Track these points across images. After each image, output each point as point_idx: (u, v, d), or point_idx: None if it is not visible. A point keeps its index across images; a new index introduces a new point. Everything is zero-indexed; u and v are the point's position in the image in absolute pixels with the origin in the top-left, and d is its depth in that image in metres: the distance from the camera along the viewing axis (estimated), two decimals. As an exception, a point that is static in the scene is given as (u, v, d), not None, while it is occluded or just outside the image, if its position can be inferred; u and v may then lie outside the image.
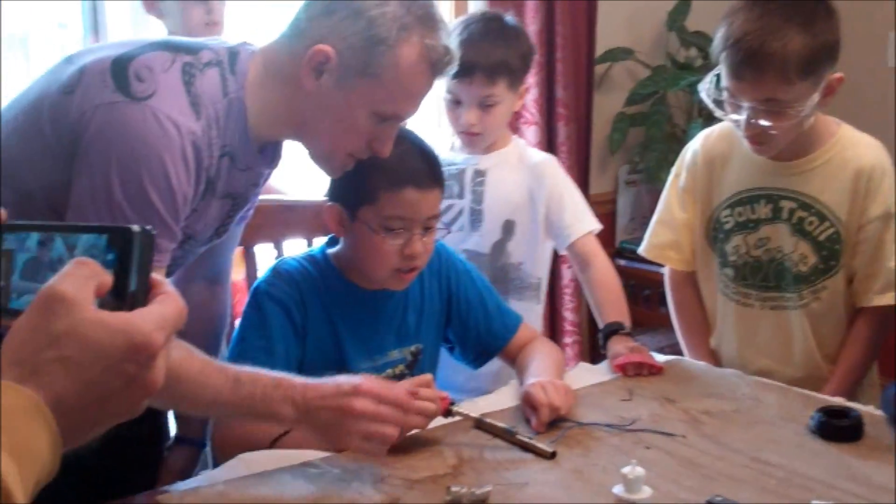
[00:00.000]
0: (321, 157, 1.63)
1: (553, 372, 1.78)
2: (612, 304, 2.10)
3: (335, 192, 1.76)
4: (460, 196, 2.25)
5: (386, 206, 1.70)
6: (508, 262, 2.23)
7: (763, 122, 1.85)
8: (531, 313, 2.25)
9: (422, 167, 1.72)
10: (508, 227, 2.24)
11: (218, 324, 1.92)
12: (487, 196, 2.23)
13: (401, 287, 1.80)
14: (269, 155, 1.65)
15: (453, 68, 1.61)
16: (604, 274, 2.14)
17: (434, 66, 1.56)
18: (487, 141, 2.24)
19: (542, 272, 2.28)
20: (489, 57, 2.12)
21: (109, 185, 1.39)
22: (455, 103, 2.19)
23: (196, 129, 1.45)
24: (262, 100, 1.55)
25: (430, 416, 1.52)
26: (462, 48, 2.12)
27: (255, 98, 1.54)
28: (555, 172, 2.26)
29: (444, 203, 2.21)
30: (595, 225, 2.21)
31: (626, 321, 2.05)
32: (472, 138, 2.22)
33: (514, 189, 2.24)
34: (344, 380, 1.44)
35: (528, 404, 1.67)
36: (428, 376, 1.55)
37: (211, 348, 1.88)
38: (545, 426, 1.63)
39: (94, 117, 1.40)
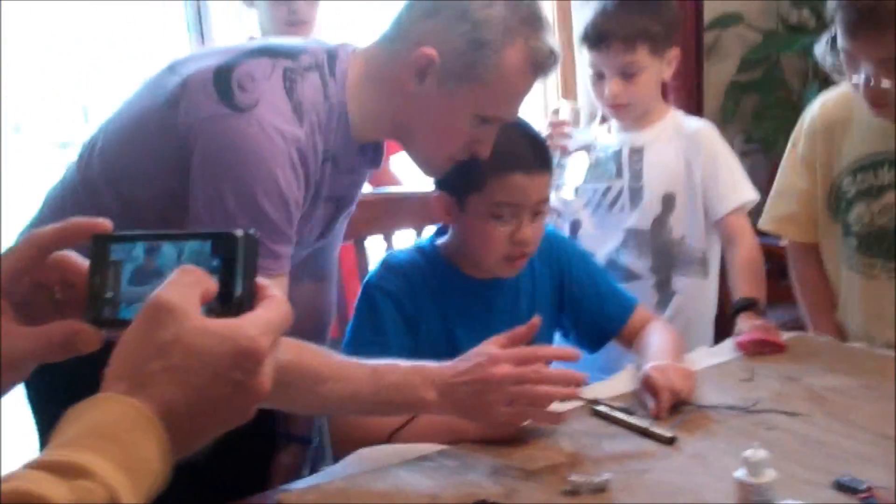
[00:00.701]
0: (422, 159, 1.64)
1: (672, 354, 1.75)
2: (748, 281, 2.07)
3: (443, 181, 1.77)
4: (619, 175, 2.24)
5: (494, 193, 1.69)
6: (670, 237, 2.22)
7: (884, 83, 1.78)
8: (699, 289, 2.24)
9: (529, 152, 1.71)
10: (668, 201, 2.22)
11: (324, 319, 1.94)
12: (646, 172, 2.22)
13: (512, 274, 1.80)
14: (371, 155, 1.67)
15: (556, 68, 1.60)
16: (747, 253, 2.11)
17: (538, 68, 1.55)
18: (637, 111, 2.22)
19: (709, 245, 2.25)
20: (625, 24, 2.11)
21: (223, 199, 1.41)
22: (598, 77, 2.18)
23: (300, 136, 1.47)
24: (362, 102, 1.56)
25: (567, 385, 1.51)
26: (598, 19, 2.11)
27: (355, 100, 1.55)
28: (711, 140, 2.22)
29: (604, 185, 2.22)
30: (749, 196, 2.18)
31: (761, 298, 2.01)
32: (620, 110, 2.20)
33: (672, 161, 2.22)
34: (476, 353, 1.45)
35: (648, 388, 1.65)
36: (570, 350, 1.56)
37: (318, 343, 1.92)
38: (666, 411, 1.60)
39: (200, 131, 1.43)
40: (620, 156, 2.25)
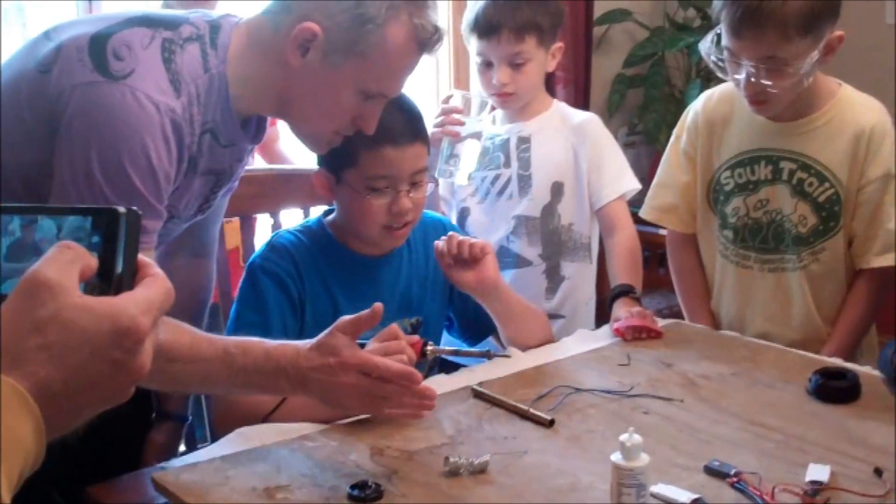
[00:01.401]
0: (306, 134, 1.62)
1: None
2: (626, 269, 2.10)
3: (322, 157, 1.76)
4: (507, 165, 2.25)
5: (367, 167, 1.70)
6: (559, 224, 2.24)
7: (763, 81, 1.83)
8: (584, 274, 2.27)
9: (399, 124, 1.70)
10: (557, 189, 2.23)
11: (202, 297, 1.91)
12: (534, 161, 2.23)
13: (395, 244, 1.80)
14: (253, 130, 1.64)
15: (441, 45, 1.59)
16: (626, 241, 2.14)
17: (422, 45, 1.54)
18: (522, 101, 2.23)
19: (592, 231, 2.28)
20: (515, 15, 2.13)
21: (89, 168, 1.37)
22: (486, 65, 2.19)
23: (176, 107, 1.43)
24: (244, 74, 1.52)
25: (410, 364, 1.48)
26: (489, 9, 2.12)
27: (237, 72, 1.52)
28: (597, 132, 2.25)
29: (493, 173, 2.23)
30: (630, 185, 2.21)
31: (638, 286, 2.05)
32: (506, 99, 2.21)
33: (560, 151, 2.23)
34: (326, 347, 1.41)
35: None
36: (392, 327, 1.52)
37: (195, 321, 1.88)
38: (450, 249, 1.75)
39: (72, 97, 1.38)
40: (508, 145, 2.26)
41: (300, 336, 1.72)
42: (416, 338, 1.54)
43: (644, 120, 3.88)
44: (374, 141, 1.66)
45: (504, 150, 2.26)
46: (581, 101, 3.70)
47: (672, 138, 2.15)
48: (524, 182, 2.23)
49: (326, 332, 1.42)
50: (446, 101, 2.17)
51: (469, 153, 2.14)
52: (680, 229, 2.17)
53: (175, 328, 1.36)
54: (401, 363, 1.41)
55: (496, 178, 2.25)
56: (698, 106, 2.10)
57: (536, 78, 2.22)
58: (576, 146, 2.23)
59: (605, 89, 3.88)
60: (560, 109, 2.30)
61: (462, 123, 2.12)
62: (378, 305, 1.42)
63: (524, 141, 2.25)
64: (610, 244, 2.17)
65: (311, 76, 1.51)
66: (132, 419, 1.76)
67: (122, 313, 0.70)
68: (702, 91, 2.18)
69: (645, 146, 3.99)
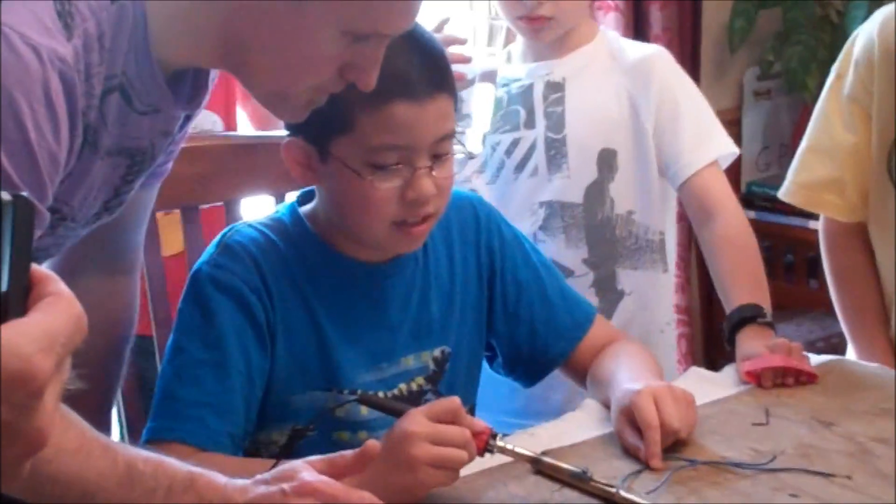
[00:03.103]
0: (271, 95, 1.60)
1: (652, 379, 1.78)
2: (744, 277, 2.10)
3: (296, 124, 1.74)
4: (530, 125, 2.25)
5: (369, 134, 1.69)
6: (612, 212, 2.24)
7: None
8: (657, 287, 2.29)
9: (413, 69, 1.70)
10: (607, 160, 2.24)
11: (119, 332, 1.92)
12: (570, 118, 2.24)
13: (411, 248, 1.81)
14: (187, 90, 1.63)
15: None
16: (734, 231, 2.14)
17: None
18: (561, 29, 2.24)
19: (669, 224, 2.27)
20: None
21: None
22: None
23: (65, 54, 1.42)
24: (172, 12, 1.52)
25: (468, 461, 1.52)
26: None
27: (161, 9, 1.52)
28: (666, 72, 2.26)
29: (508, 137, 2.22)
30: (723, 148, 2.21)
31: (766, 304, 2.04)
32: (540, 27, 2.22)
33: (609, 102, 2.25)
34: (283, 473, 1.41)
35: (630, 424, 1.68)
36: (453, 402, 1.55)
37: (110, 368, 1.88)
38: (660, 458, 1.63)
39: None
40: (531, 95, 2.27)
41: (273, 382, 1.74)
42: (482, 424, 1.56)
43: (784, 56, 3.86)
44: (379, 95, 1.66)
45: (525, 101, 2.27)
46: (687, 28, 3.71)
47: (829, 81, 2.16)
48: (556, 149, 2.24)
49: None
50: (440, 27, 2.16)
51: (482, 104, 2.14)
52: (843, 217, 2.17)
53: (58, 418, 1.35)
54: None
55: (513, 144, 2.25)
56: (872, 30, 2.10)
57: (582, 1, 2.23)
58: (634, 95, 2.24)
59: (722, 12, 3.88)
60: (608, 41, 2.31)
61: (468, 60, 2.12)
62: (372, 445, 1.43)
63: (555, 88, 2.25)
64: (707, 239, 2.16)
65: (272, 14, 1.50)
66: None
67: (10, 352, 0.71)
68: (871, 11, 2.17)
69: (785, 95, 3.98)
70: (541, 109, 2.26)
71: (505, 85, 2.27)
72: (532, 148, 2.25)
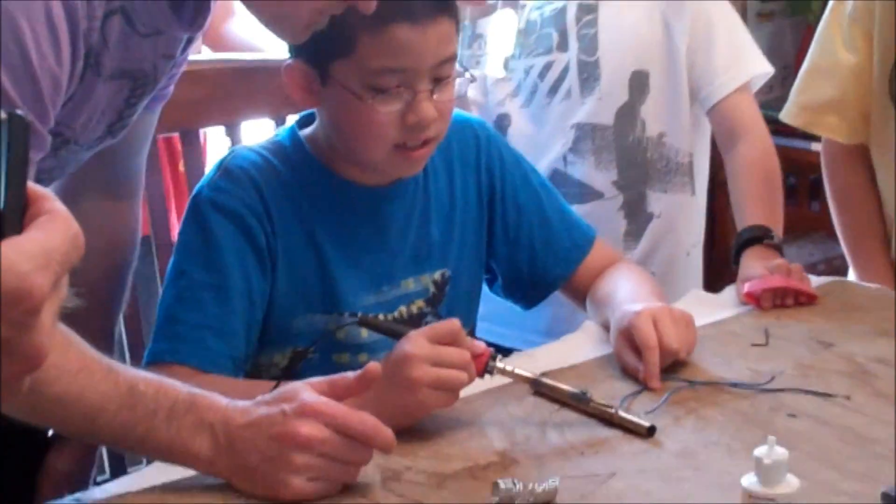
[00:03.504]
0: (273, 16, 1.60)
1: (652, 300, 1.79)
2: (759, 199, 2.10)
3: (298, 45, 1.74)
4: (563, 48, 2.24)
5: (369, 56, 1.69)
6: (643, 134, 2.24)
7: None
8: (685, 210, 2.29)
9: None
10: (639, 82, 2.24)
11: (120, 257, 1.93)
12: (603, 40, 2.23)
13: (411, 171, 1.81)
14: (190, 11, 1.63)
15: None
16: (757, 154, 2.14)
17: None
18: None
19: (697, 146, 2.28)
20: None
21: None
22: None
23: None
24: None
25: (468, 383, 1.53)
26: None
27: None
28: None
29: (541, 60, 2.21)
30: (757, 69, 2.21)
31: (777, 227, 2.05)
32: None
33: (642, 23, 2.24)
34: (284, 394, 1.42)
35: (629, 345, 1.69)
36: (453, 324, 1.55)
37: (112, 292, 1.89)
38: (658, 378, 1.64)
39: None
40: (563, 17, 2.25)
41: (273, 305, 1.74)
42: (481, 346, 1.56)
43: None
44: (379, 17, 1.65)
45: (558, 24, 2.25)
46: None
47: (832, 2, 2.14)
48: (589, 72, 2.23)
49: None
50: None
51: (503, 28, 2.13)
52: (844, 138, 2.16)
53: (60, 339, 1.35)
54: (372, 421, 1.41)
55: (546, 67, 2.24)
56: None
57: None
58: (668, 15, 2.23)
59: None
60: None
61: None
62: (373, 367, 1.44)
63: (588, 10, 2.24)
64: (732, 161, 2.16)
65: None
66: (24, 438, 1.78)
67: (7, 269, 0.71)
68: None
69: (789, 17, 3.96)
70: (574, 32, 2.25)
71: (538, 8, 2.25)
72: (565, 70, 2.24)
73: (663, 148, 2.25)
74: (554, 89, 2.25)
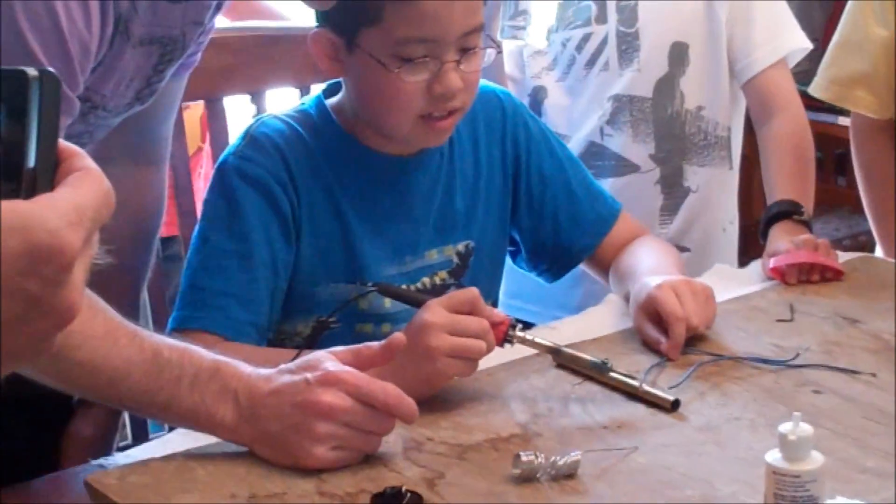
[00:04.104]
0: None
1: (675, 273, 1.79)
2: (790, 175, 2.10)
3: (325, 13, 1.75)
4: (601, 20, 2.24)
5: (396, 26, 1.69)
6: (682, 107, 2.24)
7: None
8: (722, 184, 2.29)
9: None
10: (678, 55, 2.23)
11: (148, 223, 1.94)
12: (643, 11, 2.23)
13: (437, 142, 1.81)
14: None
15: None
16: (790, 130, 2.14)
17: None
18: None
19: (733, 119, 2.28)
20: None
21: None
22: None
23: None
24: None
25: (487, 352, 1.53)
26: None
27: None
28: None
29: (579, 32, 2.21)
30: (794, 44, 2.20)
31: (807, 203, 2.05)
32: None
33: None
34: (307, 363, 1.42)
35: (649, 318, 1.69)
36: (471, 292, 1.55)
37: (138, 258, 1.89)
38: (679, 350, 1.65)
39: None
40: None
41: (297, 274, 1.75)
42: (501, 315, 1.56)
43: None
44: None
45: None
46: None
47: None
48: (628, 43, 2.22)
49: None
50: None
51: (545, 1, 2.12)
52: (874, 113, 2.16)
53: (87, 304, 1.35)
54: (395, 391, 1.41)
55: (584, 39, 2.24)
56: None
57: None
58: None
59: None
60: None
61: None
62: (398, 337, 1.44)
63: None
64: (765, 136, 2.16)
65: None
66: (48, 402, 1.79)
67: (39, 225, 0.70)
68: None
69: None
70: (613, 3, 2.24)
71: None
72: (603, 43, 2.24)
73: (701, 121, 2.24)
74: (592, 61, 2.24)
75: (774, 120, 2.15)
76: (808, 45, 2.20)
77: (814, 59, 2.23)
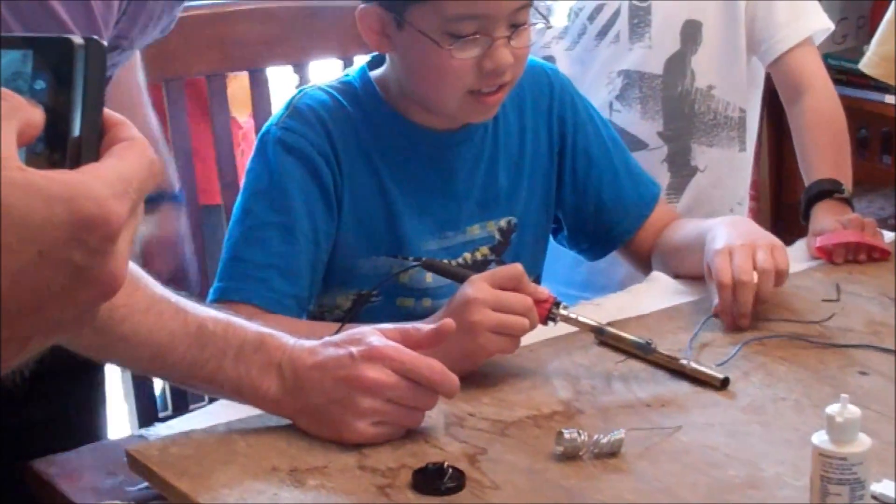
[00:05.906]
0: None
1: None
2: (828, 153, 2.09)
3: None
4: None
5: (447, 3, 1.68)
6: (692, 85, 2.22)
7: None
8: (732, 166, 2.27)
9: None
10: (691, 32, 2.21)
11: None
12: None
13: (484, 117, 1.81)
14: None
15: None
16: (824, 106, 2.13)
17: None
18: None
19: (749, 101, 2.26)
20: None
21: None
22: None
23: None
24: None
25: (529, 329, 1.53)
26: None
27: None
28: None
29: (590, 4, 2.20)
30: (818, 23, 2.18)
31: (847, 182, 2.03)
32: None
33: None
34: (351, 337, 1.42)
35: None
36: (516, 268, 1.55)
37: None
38: (729, 316, 1.66)
39: None
40: None
41: (336, 246, 1.74)
42: (545, 292, 1.56)
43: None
44: None
45: None
46: None
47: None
48: (640, 18, 2.21)
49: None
50: None
51: None
52: (923, 90, 2.14)
53: (130, 277, 1.35)
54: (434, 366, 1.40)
55: (597, 10, 2.22)
56: None
57: None
58: None
59: None
60: None
61: None
62: (448, 323, 1.44)
63: None
64: (796, 115, 2.14)
65: None
66: (82, 372, 1.79)
67: (85, 195, 0.70)
68: None
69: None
70: None
71: None
72: (616, 15, 2.22)
73: (711, 101, 2.23)
74: (602, 33, 2.23)
75: (805, 99, 2.13)
76: (830, 26, 2.18)
77: (860, 36, 2.21)
